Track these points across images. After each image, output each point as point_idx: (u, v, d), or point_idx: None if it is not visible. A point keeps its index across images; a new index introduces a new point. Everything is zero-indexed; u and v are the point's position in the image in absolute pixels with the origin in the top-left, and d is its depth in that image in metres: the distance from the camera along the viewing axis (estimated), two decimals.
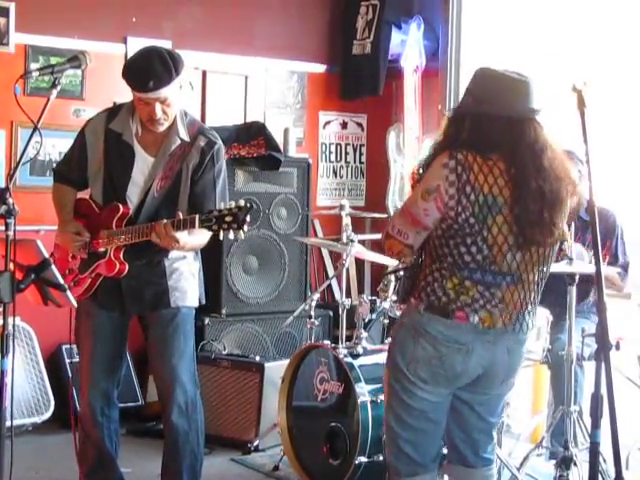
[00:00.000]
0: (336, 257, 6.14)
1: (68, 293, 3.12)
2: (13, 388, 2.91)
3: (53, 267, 3.04)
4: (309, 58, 6.43)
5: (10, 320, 2.85)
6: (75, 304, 3.27)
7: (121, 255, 3.63)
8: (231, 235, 3.30)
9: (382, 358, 4.32)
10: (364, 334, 4.44)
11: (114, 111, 3.77)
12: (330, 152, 6.60)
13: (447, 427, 3.09)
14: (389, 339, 4.54)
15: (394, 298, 4.45)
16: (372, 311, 4.55)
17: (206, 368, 5.08)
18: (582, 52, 5.31)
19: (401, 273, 4.35)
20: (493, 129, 2.86)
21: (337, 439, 4.27)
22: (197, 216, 3.36)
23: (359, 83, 6.43)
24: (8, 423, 2.89)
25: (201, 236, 3.56)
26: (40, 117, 3.05)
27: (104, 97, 5.15)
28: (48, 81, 3.24)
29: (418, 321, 2.93)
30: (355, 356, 4.31)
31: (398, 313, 4.43)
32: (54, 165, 4.39)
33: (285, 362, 4.64)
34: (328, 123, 6.58)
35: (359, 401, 4.14)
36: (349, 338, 4.55)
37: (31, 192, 5.15)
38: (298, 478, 4.48)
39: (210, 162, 3.68)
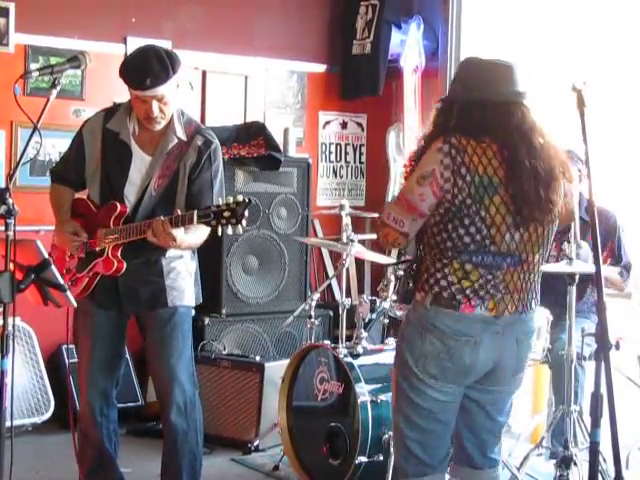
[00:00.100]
0: (336, 257, 6.13)
1: (68, 293, 3.12)
2: (13, 388, 2.91)
3: (53, 267, 3.03)
4: (309, 58, 6.43)
5: (10, 320, 2.84)
6: (75, 304, 3.27)
7: (119, 253, 3.63)
8: (230, 230, 3.30)
9: (382, 358, 4.36)
10: (364, 334, 4.43)
11: (111, 111, 3.77)
12: (330, 152, 6.60)
13: (455, 428, 3.08)
14: (389, 339, 4.57)
15: (394, 298, 4.45)
16: (372, 311, 4.54)
17: (206, 368, 5.08)
18: (582, 52, 5.30)
19: (401, 273, 4.40)
20: (482, 114, 2.89)
21: (337, 439, 4.27)
22: (195, 212, 3.35)
23: (359, 83, 6.42)
24: (8, 423, 2.88)
25: (198, 234, 3.56)
26: (40, 117, 3.05)
27: (104, 97, 5.15)
28: (48, 81, 3.24)
29: (425, 316, 2.93)
30: (355, 356, 4.31)
31: (398, 313, 4.43)
32: (53, 165, 4.39)
33: (285, 362, 4.64)
34: (328, 123, 6.58)
35: (359, 401, 4.13)
36: (349, 338, 4.55)
37: (31, 192, 5.14)
38: (298, 478, 4.48)
39: (207, 161, 3.68)
